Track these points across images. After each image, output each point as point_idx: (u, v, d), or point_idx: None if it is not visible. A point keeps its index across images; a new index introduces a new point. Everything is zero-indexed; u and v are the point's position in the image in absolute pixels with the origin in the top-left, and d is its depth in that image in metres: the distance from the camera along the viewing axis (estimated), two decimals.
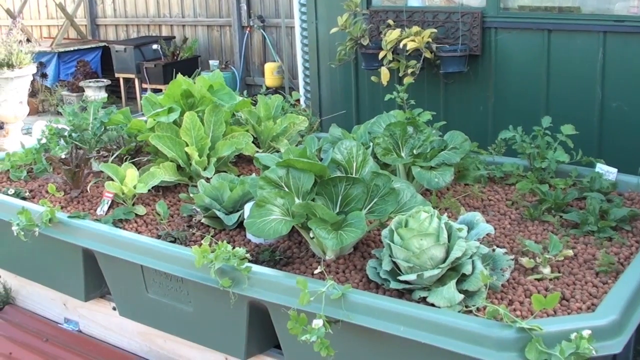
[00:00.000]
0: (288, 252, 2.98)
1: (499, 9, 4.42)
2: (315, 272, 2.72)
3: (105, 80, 10.07)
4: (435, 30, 4.44)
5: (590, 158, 3.63)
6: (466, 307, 2.39)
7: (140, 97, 9.12)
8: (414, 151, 3.40)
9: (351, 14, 4.70)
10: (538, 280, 2.61)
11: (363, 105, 5.11)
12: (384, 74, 4.53)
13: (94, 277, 3.39)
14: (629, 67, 4.03)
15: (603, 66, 4.11)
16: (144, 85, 9.67)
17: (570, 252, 2.78)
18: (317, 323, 2.30)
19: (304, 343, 2.32)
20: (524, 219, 3.21)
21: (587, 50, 4.14)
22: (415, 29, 4.46)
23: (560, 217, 3.18)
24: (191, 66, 9.42)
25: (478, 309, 2.37)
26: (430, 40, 4.41)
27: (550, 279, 2.61)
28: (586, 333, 2.05)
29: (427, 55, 4.41)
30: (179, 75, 4.04)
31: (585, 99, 4.20)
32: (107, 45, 10.57)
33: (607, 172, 3.52)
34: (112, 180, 3.51)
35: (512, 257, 2.67)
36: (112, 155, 3.91)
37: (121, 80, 10.11)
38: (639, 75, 4.01)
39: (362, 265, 2.79)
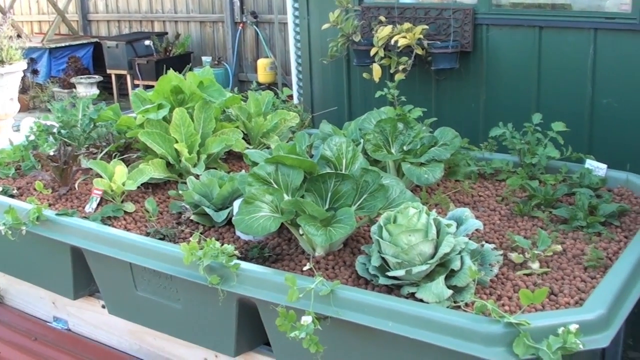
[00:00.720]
0: (277, 249, 2.97)
1: (491, 5, 4.41)
2: (305, 268, 2.72)
3: (96, 76, 10.03)
4: (426, 27, 4.43)
5: (580, 154, 3.64)
6: (455, 302, 2.39)
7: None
8: (404, 147, 3.40)
9: (343, 10, 4.69)
10: (527, 275, 2.61)
11: (355, 102, 5.09)
12: (376, 70, 4.51)
13: (82, 275, 3.38)
14: (620, 64, 4.03)
15: (594, 63, 4.11)
16: (136, 82, 9.63)
17: (559, 248, 2.79)
18: (306, 319, 2.29)
19: (293, 340, 2.32)
20: (513, 215, 3.22)
21: (578, 47, 4.14)
22: (406, 25, 4.45)
23: (550, 212, 3.19)
24: (183, 62, 9.40)
25: (466, 304, 2.37)
26: (421, 36, 4.39)
27: (539, 274, 2.61)
28: (573, 327, 2.06)
29: (419, 51, 4.39)
30: (169, 71, 4.03)
31: (575, 96, 4.20)
32: (98, 41, 10.53)
33: (597, 168, 3.53)
34: (101, 177, 3.50)
35: (501, 252, 2.68)
36: (101, 152, 3.89)
37: (113, 77, 10.07)
38: (629, 72, 4.01)
39: (352, 261, 2.78)
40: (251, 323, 2.84)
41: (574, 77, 4.18)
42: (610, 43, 4.03)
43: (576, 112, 4.15)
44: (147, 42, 9.75)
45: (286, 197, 2.77)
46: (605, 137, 4.11)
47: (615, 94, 4.07)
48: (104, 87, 10.22)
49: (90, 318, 3.62)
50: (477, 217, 2.82)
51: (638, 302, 2.47)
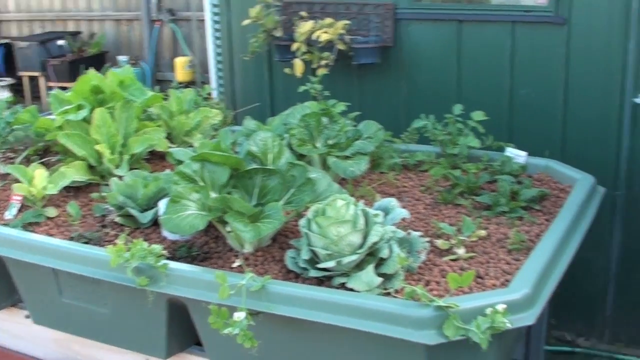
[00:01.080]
0: (205, 248, 2.95)
1: (411, 0, 4.48)
2: (234, 265, 2.71)
3: (8, 79, 9.69)
4: (348, 22, 4.47)
5: (500, 143, 3.75)
6: (385, 289, 2.43)
7: (47, 96, 8.83)
8: (329, 141, 3.42)
9: (264, 6, 4.68)
10: (453, 260, 2.68)
11: (277, 98, 5.10)
12: (298, 65, 4.53)
13: (4, 285, 3.27)
14: (537, 55, 4.17)
15: (512, 55, 4.23)
16: (50, 84, 9.33)
17: (483, 233, 2.86)
18: (239, 315, 2.29)
19: (225, 337, 2.31)
20: (438, 204, 3.28)
21: (497, 40, 4.26)
22: (328, 20, 4.48)
23: (473, 200, 3.27)
24: (99, 62, 9.16)
25: (396, 291, 2.42)
26: (343, 31, 4.43)
27: (465, 259, 2.68)
28: (501, 307, 2.12)
29: (341, 46, 4.43)
30: (89, 70, 3.94)
31: (495, 87, 4.32)
32: (9, 42, 10.18)
33: (517, 155, 3.64)
34: (20, 182, 3.39)
35: (428, 239, 2.73)
36: (19, 156, 3.78)
37: (25, 79, 9.75)
38: (546, 63, 4.15)
39: (281, 256, 2.78)
40: (182, 323, 2.82)
41: (493, 69, 4.31)
42: (528, 35, 4.17)
43: (496, 102, 4.27)
44: (60, 42, 9.47)
45: (213, 195, 2.75)
46: (525, 125, 4.25)
47: (532, 84, 4.21)
48: (16, 90, 9.86)
49: (13, 329, 3.50)
50: (402, 207, 2.86)
51: (560, 284, 2.57)
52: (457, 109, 3.76)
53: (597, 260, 4.26)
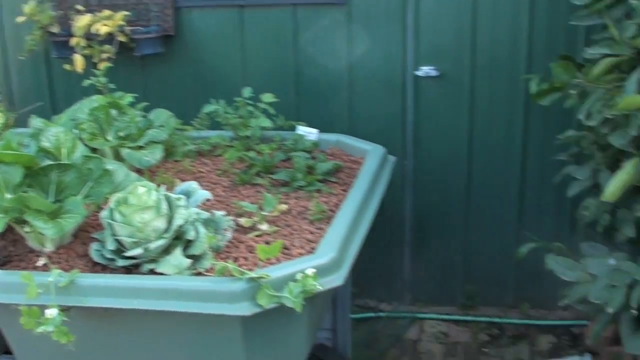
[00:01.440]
0: (4, 252, 2.82)
1: None
2: (38, 264, 2.62)
3: None
4: (128, 13, 4.41)
5: (291, 122, 3.90)
6: (195, 270, 2.47)
7: None
8: (120, 133, 3.40)
9: (38, 1, 4.49)
10: (258, 236, 2.77)
11: (58, 96, 4.92)
12: (78, 61, 4.40)
13: None
14: (319, 36, 4.36)
15: (295, 37, 4.39)
16: None
17: (284, 207, 2.99)
18: (51, 313, 2.23)
19: (35, 339, 2.24)
20: (236, 185, 3.37)
21: (280, 23, 4.39)
22: (106, 12, 4.39)
23: (271, 178, 3.39)
24: None
25: (207, 270, 2.47)
26: (123, 23, 4.37)
27: (270, 233, 2.79)
28: (310, 271, 2.24)
29: (122, 38, 4.36)
30: None
31: (281, 69, 4.46)
32: None
33: (309, 133, 3.82)
34: None
35: (232, 218, 2.81)
36: None
37: None
38: (329, 43, 4.35)
39: (84, 251, 2.73)
40: None
41: (277, 52, 4.45)
42: (309, 17, 4.34)
43: (283, 84, 4.43)
44: None
45: (8, 196, 2.64)
46: (313, 105, 4.45)
47: (317, 65, 4.40)
48: None
49: None
50: None
51: (358, 254, 2.70)
52: (247, 92, 3.87)
53: (391, 227, 4.57)
